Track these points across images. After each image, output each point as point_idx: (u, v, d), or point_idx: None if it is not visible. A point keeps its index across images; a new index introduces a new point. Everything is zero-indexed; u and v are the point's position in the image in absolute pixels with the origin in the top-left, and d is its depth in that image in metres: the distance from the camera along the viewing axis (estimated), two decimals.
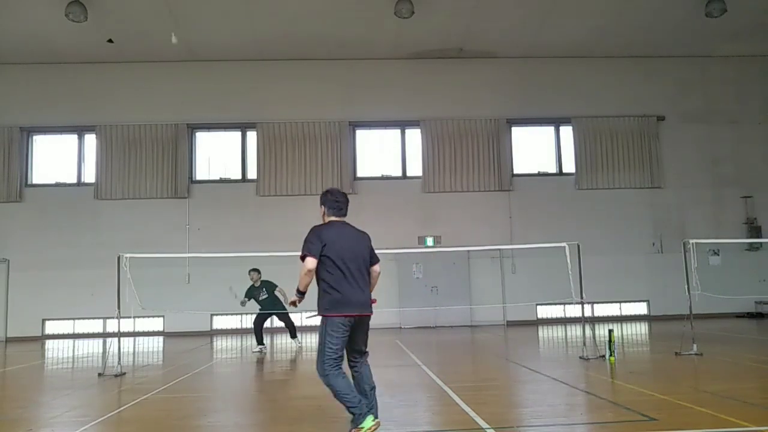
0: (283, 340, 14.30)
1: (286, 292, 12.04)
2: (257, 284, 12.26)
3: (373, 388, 4.90)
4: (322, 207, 5.02)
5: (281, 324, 12.59)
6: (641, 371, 8.12)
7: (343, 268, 4.73)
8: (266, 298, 12.20)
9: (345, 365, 4.71)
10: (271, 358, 11.62)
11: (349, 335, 4.74)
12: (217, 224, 17.25)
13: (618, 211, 17.85)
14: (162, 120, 17.58)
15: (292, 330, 12.47)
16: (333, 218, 4.98)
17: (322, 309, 4.72)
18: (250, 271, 12.31)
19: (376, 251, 5.01)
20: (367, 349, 4.95)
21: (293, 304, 4.95)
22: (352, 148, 18.00)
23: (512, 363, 9.48)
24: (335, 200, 5.00)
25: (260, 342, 12.14)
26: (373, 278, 4.99)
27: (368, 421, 4.58)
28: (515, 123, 18.31)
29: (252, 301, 12.35)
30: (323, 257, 4.70)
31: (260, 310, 12.26)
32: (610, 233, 17.49)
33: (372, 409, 4.75)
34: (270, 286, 12.28)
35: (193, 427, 5.60)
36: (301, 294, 4.88)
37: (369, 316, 4.86)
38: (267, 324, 12.59)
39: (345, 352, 4.81)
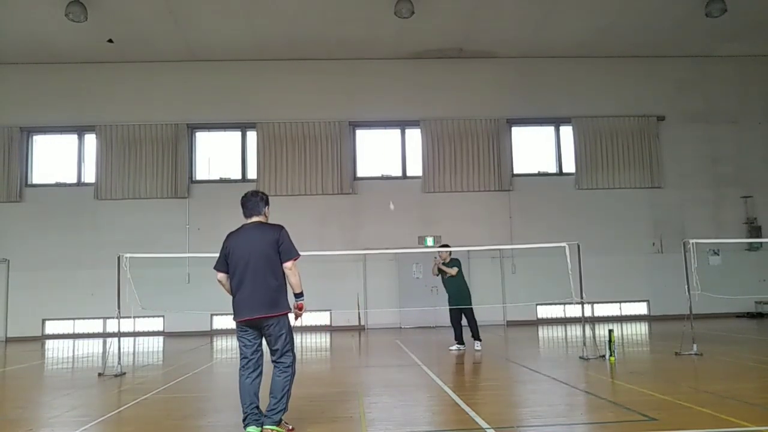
0: None
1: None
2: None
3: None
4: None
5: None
6: (641, 371, 8.12)
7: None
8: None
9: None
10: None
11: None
12: (217, 224, 17.15)
13: (618, 211, 17.85)
14: (162, 120, 17.58)
15: (475, 330, 11.06)
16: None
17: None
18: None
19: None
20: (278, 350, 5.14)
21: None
22: (352, 148, 18.00)
23: (512, 363, 9.47)
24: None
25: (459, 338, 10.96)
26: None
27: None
28: (515, 123, 18.31)
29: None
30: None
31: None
32: (610, 233, 17.49)
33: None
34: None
35: (193, 427, 5.60)
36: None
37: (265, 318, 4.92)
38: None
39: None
